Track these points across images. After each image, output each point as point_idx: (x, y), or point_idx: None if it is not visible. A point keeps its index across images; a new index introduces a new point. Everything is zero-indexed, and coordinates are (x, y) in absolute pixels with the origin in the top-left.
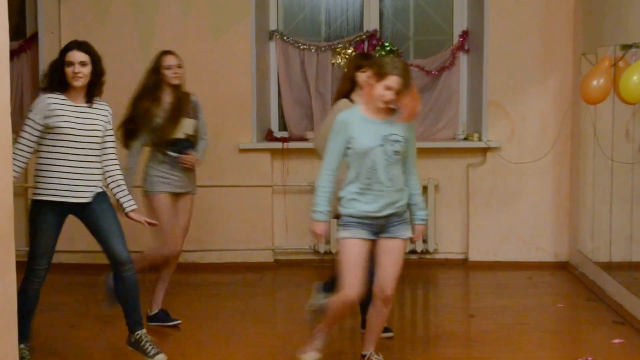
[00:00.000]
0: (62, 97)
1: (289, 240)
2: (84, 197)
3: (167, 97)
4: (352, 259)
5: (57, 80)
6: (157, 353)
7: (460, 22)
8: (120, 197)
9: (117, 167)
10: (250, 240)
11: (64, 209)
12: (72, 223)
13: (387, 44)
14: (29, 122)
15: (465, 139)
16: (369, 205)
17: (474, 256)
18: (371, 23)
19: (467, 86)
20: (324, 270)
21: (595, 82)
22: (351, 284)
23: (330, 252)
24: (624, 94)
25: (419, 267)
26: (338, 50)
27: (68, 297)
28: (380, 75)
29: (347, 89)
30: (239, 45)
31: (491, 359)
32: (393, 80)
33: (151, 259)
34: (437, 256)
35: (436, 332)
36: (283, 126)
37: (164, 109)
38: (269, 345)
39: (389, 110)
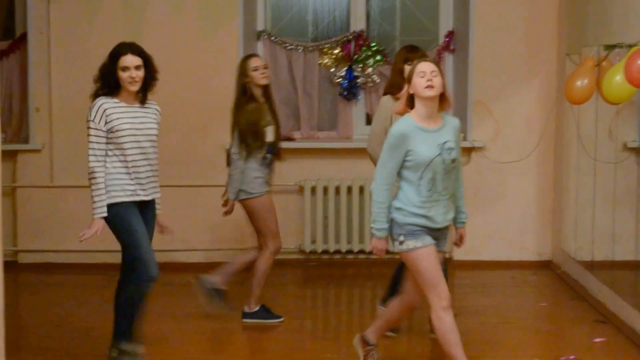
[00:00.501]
0: (115, 100)
1: None
2: (149, 195)
3: (261, 100)
4: (433, 268)
5: (111, 84)
6: None
7: (446, 23)
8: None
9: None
10: (236, 240)
11: (136, 207)
12: (54, 221)
13: (373, 44)
14: (92, 130)
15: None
16: (430, 219)
17: (458, 255)
18: (358, 23)
19: (453, 86)
20: (310, 270)
21: (579, 82)
22: (444, 291)
23: (316, 252)
24: (607, 94)
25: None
26: (325, 50)
27: (55, 296)
28: (409, 75)
29: (396, 82)
30: (227, 46)
31: (474, 357)
32: (423, 66)
33: (269, 259)
34: None
35: (419, 330)
36: None
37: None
38: (254, 343)
39: (438, 115)
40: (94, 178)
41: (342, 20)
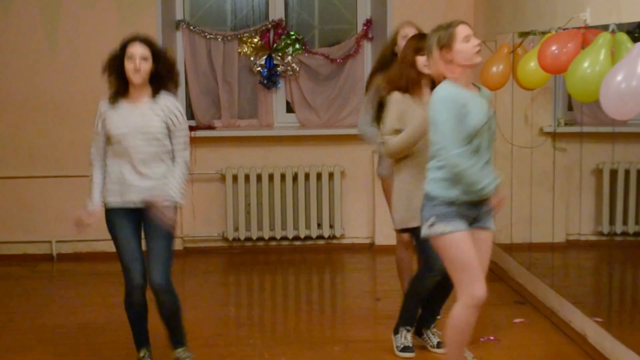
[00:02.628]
0: (120, 100)
1: (198, 228)
2: (134, 203)
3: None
4: (465, 255)
5: (121, 78)
6: None
7: (364, 11)
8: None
9: (180, 166)
10: None
11: (131, 214)
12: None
13: (292, 33)
14: (92, 130)
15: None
16: (473, 187)
17: (380, 240)
18: (276, 12)
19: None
20: (233, 257)
21: (494, 69)
22: (477, 282)
23: (239, 239)
24: (522, 80)
25: (327, 252)
26: (244, 39)
27: None
28: (444, 40)
29: (411, 77)
30: None
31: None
32: (464, 29)
33: (397, 247)
34: (344, 241)
35: (343, 315)
36: (190, 115)
37: None
38: None
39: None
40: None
41: (260, 9)
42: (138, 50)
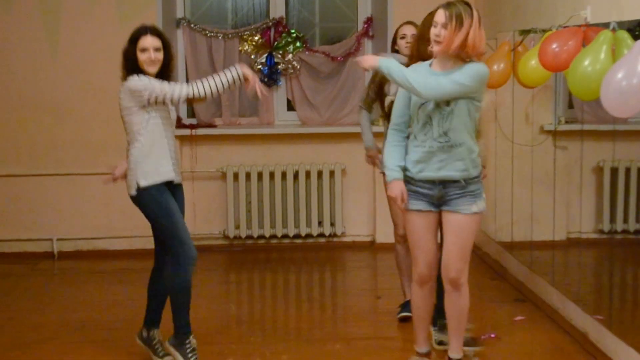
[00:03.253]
0: None
1: (198, 226)
2: (178, 177)
3: None
4: (413, 237)
5: (135, 69)
6: (165, 355)
7: (365, 9)
8: None
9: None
10: None
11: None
12: None
13: (293, 31)
14: (149, 83)
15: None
16: (422, 166)
17: (380, 238)
18: (277, 10)
19: (372, 72)
20: (234, 255)
21: (495, 67)
22: (418, 263)
23: (240, 237)
24: (523, 78)
25: (328, 250)
26: (245, 37)
27: None
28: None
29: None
30: None
31: (397, 338)
32: (438, 15)
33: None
34: (345, 239)
35: (344, 313)
36: (191, 113)
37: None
38: None
39: (457, 63)
40: (191, 85)
41: (261, 7)
42: (151, 42)
